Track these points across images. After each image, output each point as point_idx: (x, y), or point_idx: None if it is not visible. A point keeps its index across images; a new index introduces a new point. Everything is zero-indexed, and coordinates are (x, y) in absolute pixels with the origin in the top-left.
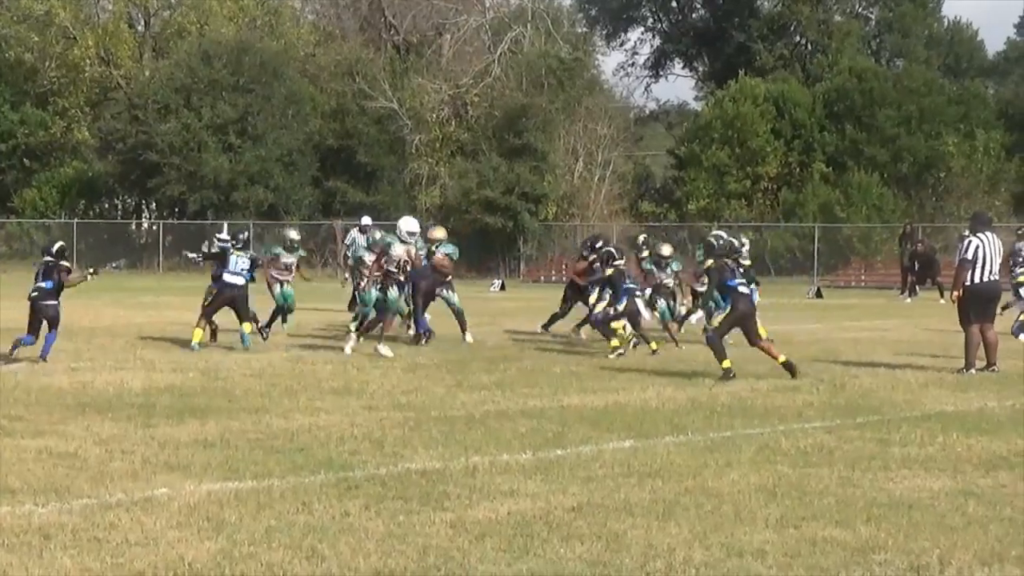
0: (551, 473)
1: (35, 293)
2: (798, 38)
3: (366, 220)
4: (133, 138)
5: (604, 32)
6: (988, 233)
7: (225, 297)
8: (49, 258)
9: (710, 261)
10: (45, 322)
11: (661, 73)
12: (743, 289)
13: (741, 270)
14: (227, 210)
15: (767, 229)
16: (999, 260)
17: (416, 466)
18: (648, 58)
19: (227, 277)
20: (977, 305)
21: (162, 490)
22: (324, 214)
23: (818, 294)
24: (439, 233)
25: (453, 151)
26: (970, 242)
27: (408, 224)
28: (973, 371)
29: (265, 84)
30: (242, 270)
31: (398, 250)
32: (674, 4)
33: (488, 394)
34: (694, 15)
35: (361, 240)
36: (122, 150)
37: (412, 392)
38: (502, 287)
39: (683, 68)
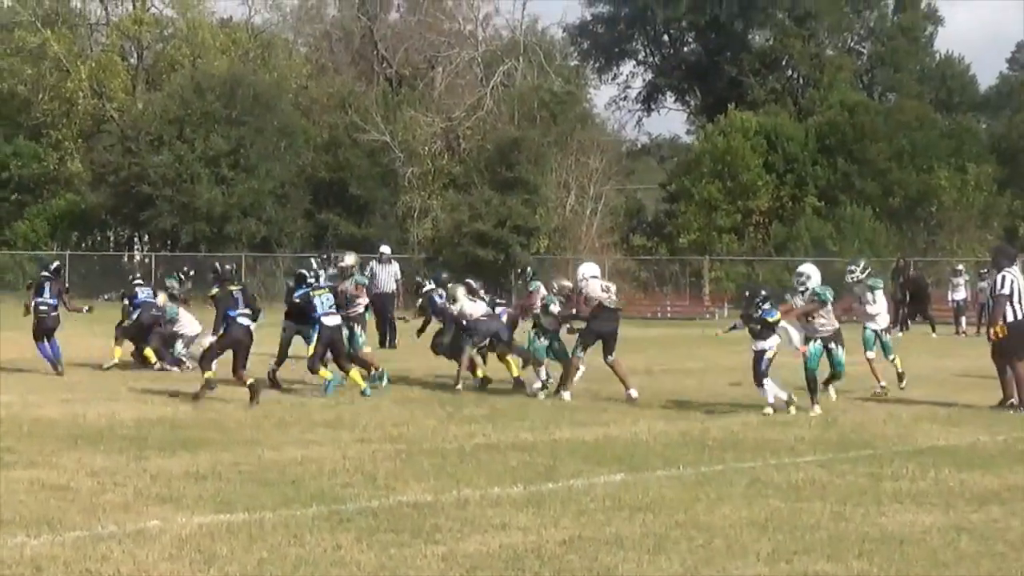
0: (542, 507)
1: (44, 307)
2: (790, 72)
3: (385, 249)
4: (126, 170)
5: (596, 66)
6: (1015, 267)
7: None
8: (47, 273)
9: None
10: (45, 334)
11: (653, 107)
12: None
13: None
14: (220, 242)
15: (759, 263)
16: None
17: (408, 499)
18: (640, 92)
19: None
20: (1019, 340)
21: (154, 522)
22: (316, 247)
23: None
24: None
25: (445, 184)
26: (1003, 277)
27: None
28: (1018, 407)
29: (258, 116)
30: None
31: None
32: (666, 38)
33: (479, 427)
34: (686, 49)
35: (379, 271)
36: (115, 182)
37: (403, 425)
38: None
39: (675, 102)
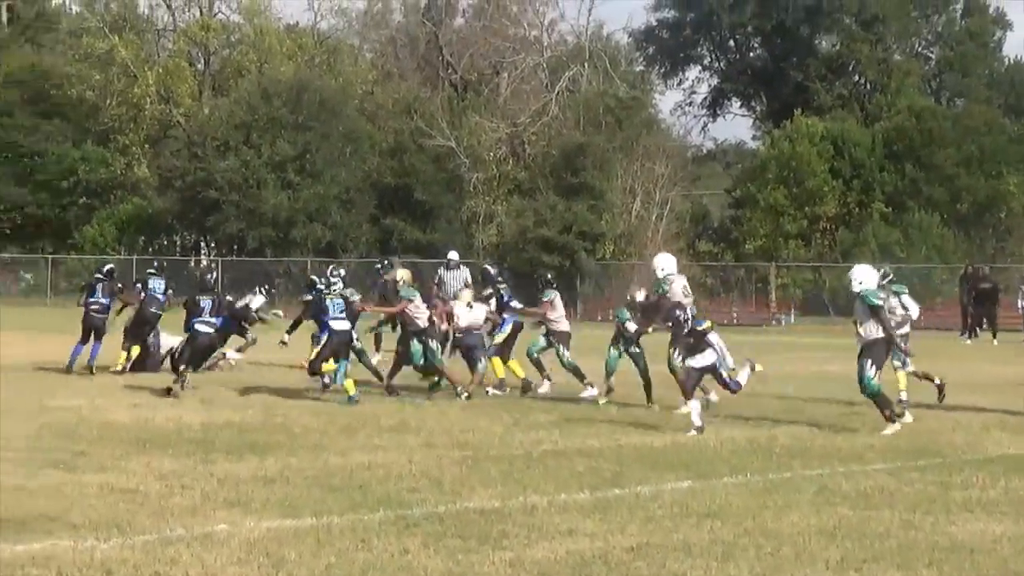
0: (609, 513)
1: (96, 307)
2: (857, 77)
3: (453, 255)
4: (192, 175)
5: (661, 71)
6: None
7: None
8: (99, 275)
9: None
10: (93, 332)
11: (719, 112)
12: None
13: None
14: (285, 247)
15: (826, 269)
16: None
17: (475, 504)
18: (706, 97)
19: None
20: None
21: (222, 526)
22: (381, 252)
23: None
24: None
25: (510, 189)
26: None
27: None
28: None
29: (324, 122)
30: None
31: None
32: (732, 43)
33: (546, 433)
34: (752, 54)
35: (448, 278)
36: (181, 187)
37: (470, 430)
38: None
39: (741, 107)
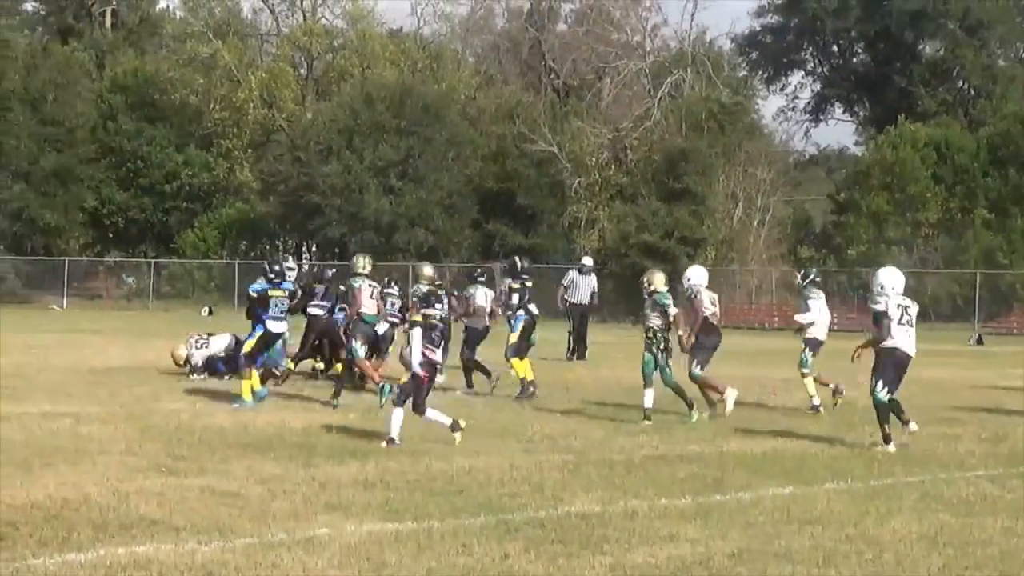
0: (710, 518)
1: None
2: (961, 83)
3: (587, 261)
4: (295, 179)
5: (764, 76)
6: None
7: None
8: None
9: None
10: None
11: (821, 118)
12: None
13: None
14: (388, 252)
15: (928, 275)
16: None
17: (575, 509)
18: (808, 102)
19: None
20: None
21: (323, 530)
22: (483, 256)
23: (979, 341)
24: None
25: (612, 195)
26: None
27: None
28: None
29: (426, 127)
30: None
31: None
32: (835, 49)
33: (647, 438)
34: (855, 60)
35: (580, 281)
36: (284, 191)
37: (570, 435)
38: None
39: (843, 113)
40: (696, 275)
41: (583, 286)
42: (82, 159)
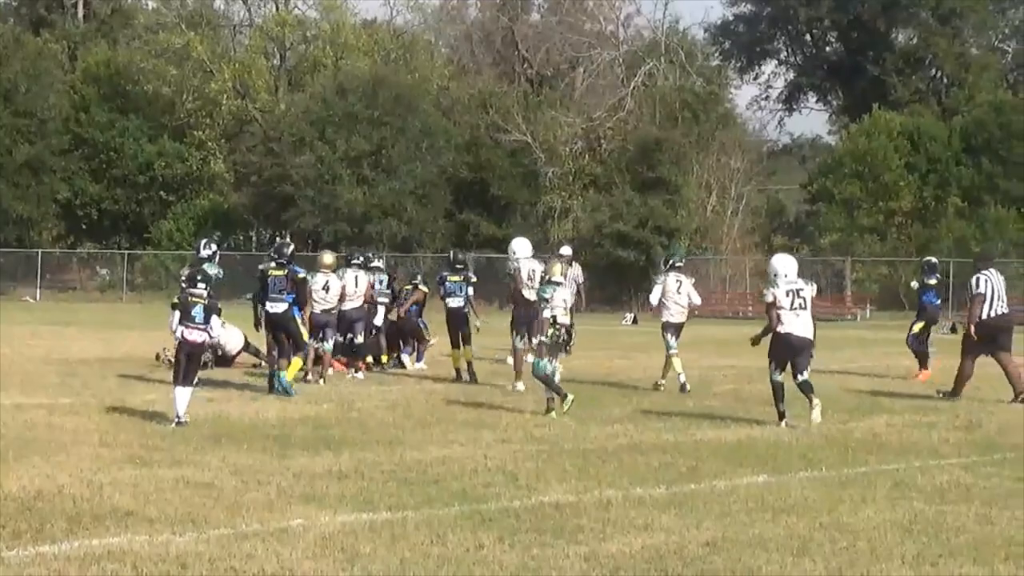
0: (685, 507)
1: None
2: (934, 71)
3: (565, 251)
4: (268, 170)
5: (738, 65)
6: (992, 269)
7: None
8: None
9: None
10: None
11: (795, 107)
12: None
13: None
14: (361, 242)
15: (901, 264)
16: (1004, 293)
17: (549, 499)
18: (782, 91)
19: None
20: (990, 337)
21: (297, 521)
22: (456, 247)
23: (952, 330)
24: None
25: (586, 184)
26: (978, 279)
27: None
28: (958, 400)
29: (399, 117)
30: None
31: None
32: (808, 38)
33: (621, 427)
34: (828, 48)
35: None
36: (257, 182)
37: (545, 425)
38: (634, 320)
39: (817, 102)
40: (519, 247)
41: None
42: (55, 150)
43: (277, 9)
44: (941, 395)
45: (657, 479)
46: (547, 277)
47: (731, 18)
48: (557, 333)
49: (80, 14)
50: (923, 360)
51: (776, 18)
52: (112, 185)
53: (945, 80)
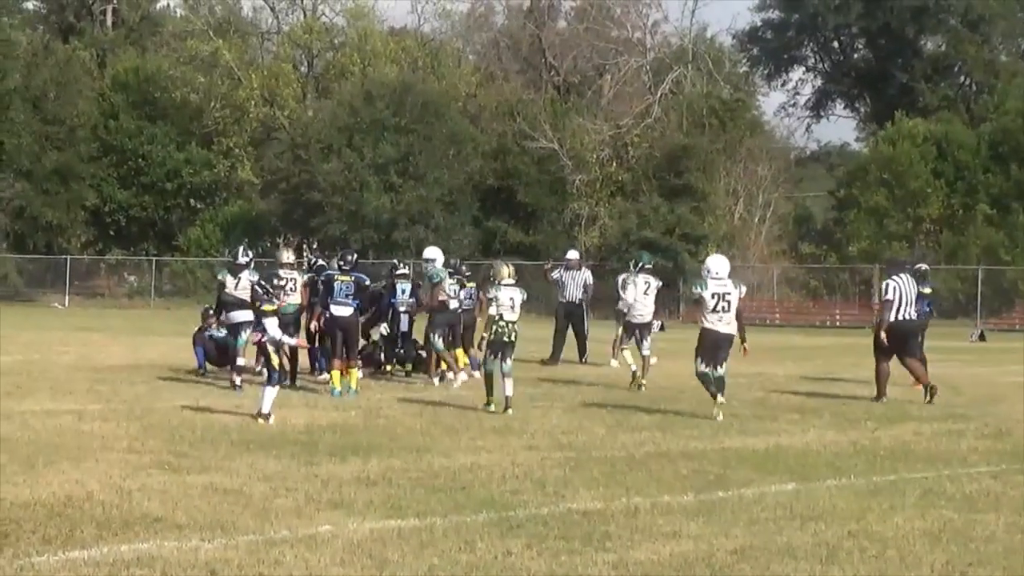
0: (713, 515)
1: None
2: (963, 78)
3: (572, 255)
4: (296, 177)
5: (765, 72)
6: (903, 275)
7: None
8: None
9: None
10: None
11: (822, 114)
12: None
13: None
14: (388, 249)
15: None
16: (914, 298)
17: (578, 506)
18: (809, 98)
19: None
20: (900, 341)
21: (326, 527)
22: (484, 254)
23: (981, 337)
24: None
25: (613, 191)
26: (887, 284)
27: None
28: (885, 400)
29: (427, 124)
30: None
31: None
32: (836, 44)
33: (649, 435)
34: (856, 55)
35: (565, 277)
36: (285, 189)
37: (573, 432)
38: (661, 327)
39: (844, 109)
40: (438, 254)
41: (569, 283)
42: (83, 157)
43: (305, 17)
44: (872, 399)
45: (685, 487)
46: (494, 280)
47: (759, 24)
48: (502, 330)
49: (109, 21)
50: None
51: (804, 25)
52: (140, 192)
53: (973, 87)
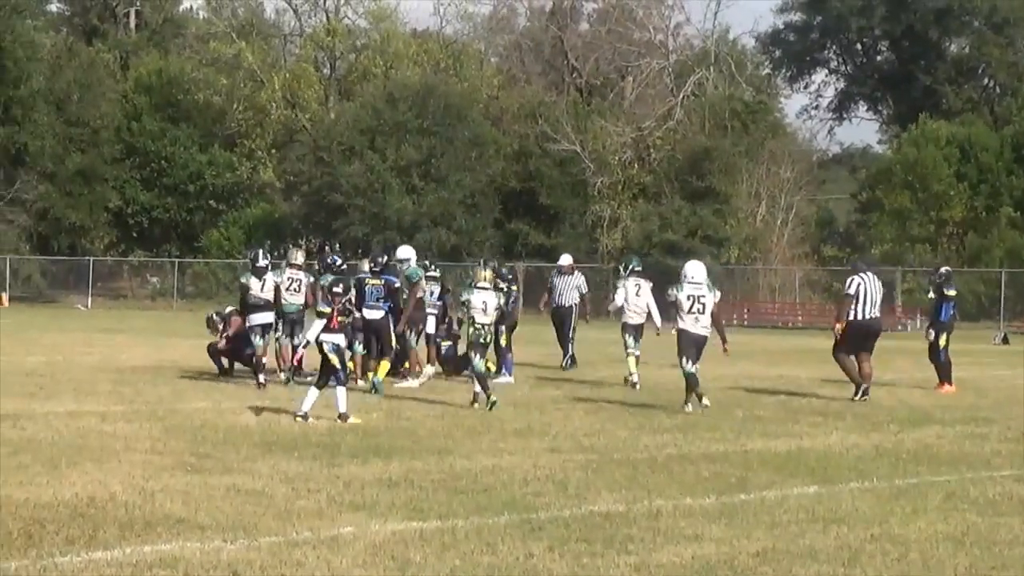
0: (735, 518)
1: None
2: (987, 81)
3: (564, 260)
4: (318, 179)
5: (788, 74)
6: (869, 273)
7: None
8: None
9: None
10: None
11: (845, 116)
12: None
13: None
14: None
15: (953, 274)
16: (879, 299)
17: (599, 508)
18: (832, 101)
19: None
20: (858, 339)
21: (348, 529)
22: (506, 256)
23: (1004, 340)
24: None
25: (635, 194)
26: (851, 280)
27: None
28: (865, 387)
29: (449, 126)
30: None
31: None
32: (858, 46)
33: (671, 437)
34: (879, 58)
35: (557, 281)
36: (307, 191)
37: (595, 434)
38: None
39: (867, 111)
40: (412, 253)
41: (560, 287)
42: (107, 159)
43: (327, 19)
44: (852, 398)
45: (707, 489)
46: (471, 282)
47: (781, 27)
48: (478, 332)
49: (132, 24)
50: (946, 372)
51: (827, 27)
52: (163, 194)
53: (997, 89)
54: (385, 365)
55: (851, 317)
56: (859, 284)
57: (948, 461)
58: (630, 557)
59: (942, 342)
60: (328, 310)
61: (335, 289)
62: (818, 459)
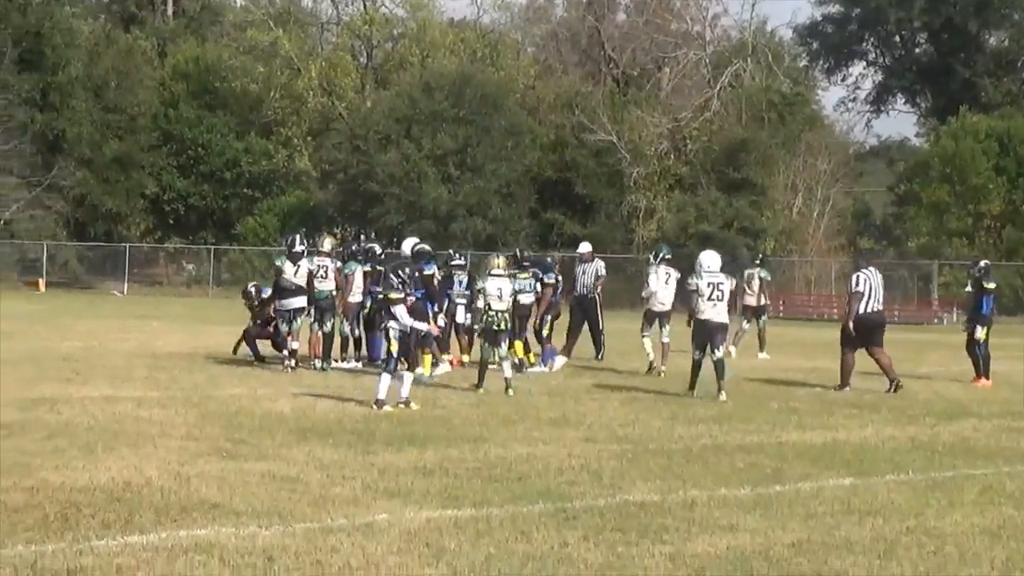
0: (770, 509)
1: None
2: None
3: (583, 248)
4: (354, 168)
5: (825, 66)
6: (871, 268)
7: None
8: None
9: None
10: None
11: (882, 108)
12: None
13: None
14: (445, 240)
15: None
16: (881, 292)
17: (634, 498)
18: (870, 93)
19: None
20: (864, 333)
21: (382, 516)
22: (541, 246)
23: None
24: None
25: (671, 184)
26: (858, 277)
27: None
28: (848, 390)
29: (485, 116)
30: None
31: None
32: (897, 39)
33: (706, 428)
34: (917, 50)
35: (577, 270)
36: (343, 180)
37: (630, 424)
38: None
39: (905, 103)
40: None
41: (579, 276)
42: (143, 146)
43: (364, 7)
44: (834, 388)
45: (742, 480)
46: (488, 270)
47: (819, 19)
48: (492, 319)
49: (170, 11)
50: (985, 366)
51: (865, 19)
52: (199, 181)
53: None
54: (428, 357)
55: (860, 312)
56: (866, 280)
57: (984, 454)
58: (665, 547)
59: (983, 336)
60: (400, 295)
61: (391, 276)
62: (854, 451)
